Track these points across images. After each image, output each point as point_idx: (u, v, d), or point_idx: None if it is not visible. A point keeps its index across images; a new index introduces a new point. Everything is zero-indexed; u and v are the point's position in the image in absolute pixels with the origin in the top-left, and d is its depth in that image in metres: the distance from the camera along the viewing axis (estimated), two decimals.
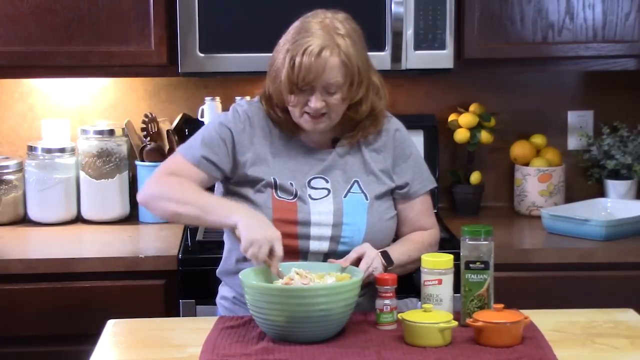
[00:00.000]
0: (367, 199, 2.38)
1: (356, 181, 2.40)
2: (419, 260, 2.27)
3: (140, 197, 2.40)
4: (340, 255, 2.30)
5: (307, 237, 2.33)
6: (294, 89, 2.28)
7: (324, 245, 2.33)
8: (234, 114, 2.41)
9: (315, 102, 2.27)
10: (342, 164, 2.40)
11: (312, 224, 2.33)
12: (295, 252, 2.31)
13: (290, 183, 2.36)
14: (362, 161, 2.42)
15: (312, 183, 2.38)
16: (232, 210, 2.26)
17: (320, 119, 2.31)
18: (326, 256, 2.33)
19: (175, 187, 2.34)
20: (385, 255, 2.30)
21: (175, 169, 2.37)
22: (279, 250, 2.18)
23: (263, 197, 2.34)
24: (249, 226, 2.19)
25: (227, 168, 2.38)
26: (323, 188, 2.38)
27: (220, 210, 2.28)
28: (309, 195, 2.36)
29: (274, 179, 2.35)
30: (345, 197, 2.37)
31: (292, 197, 2.35)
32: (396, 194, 2.44)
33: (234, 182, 2.40)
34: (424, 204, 2.48)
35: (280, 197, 2.34)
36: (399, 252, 2.35)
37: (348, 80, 2.28)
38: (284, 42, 2.31)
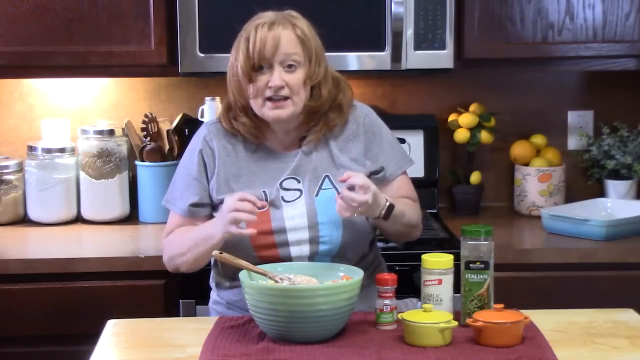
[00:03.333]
0: (339, 193, 2.33)
1: (327, 176, 2.37)
2: (411, 220, 2.30)
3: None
4: (322, 254, 2.30)
5: (286, 244, 2.31)
6: (251, 73, 2.27)
7: (305, 249, 2.31)
8: (196, 143, 2.41)
9: (274, 80, 2.26)
10: (310, 161, 2.38)
11: (288, 230, 2.31)
12: (278, 260, 2.29)
13: (263, 191, 2.34)
14: (329, 156, 2.39)
15: (284, 184, 2.36)
16: (208, 228, 2.28)
17: (283, 103, 2.29)
18: (310, 260, 2.31)
19: (173, 243, 2.39)
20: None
21: (173, 228, 2.41)
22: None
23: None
24: (222, 212, 2.20)
25: (209, 199, 2.39)
26: (295, 189, 2.36)
27: (202, 237, 2.29)
28: (282, 198, 2.34)
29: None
30: (317, 196, 2.35)
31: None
32: (373, 179, 2.31)
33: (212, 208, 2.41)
34: (403, 181, 2.44)
35: None
36: (395, 202, 2.31)
37: (307, 57, 2.29)
38: (238, 36, 2.33)
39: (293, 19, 2.32)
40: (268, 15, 2.31)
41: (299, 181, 2.36)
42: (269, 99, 2.28)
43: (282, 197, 2.34)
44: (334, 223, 2.32)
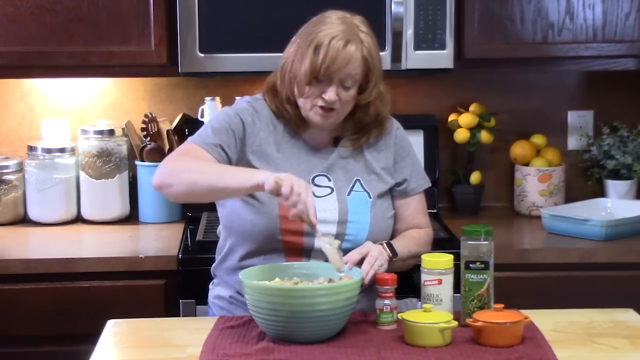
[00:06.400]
0: (370, 197, 2.39)
1: (358, 180, 2.40)
2: (417, 256, 2.28)
3: (155, 179, 2.28)
4: (343, 252, 2.30)
5: (313, 234, 2.32)
6: (313, 80, 2.28)
7: None
8: (242, 105, 2.42)
9: (330, 94, 2.28)
10: (344, 163, 2.42)
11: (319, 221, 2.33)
12: (299, 249, 2.32)
13: None
14: (363, 161, 2.43)
15: (316, 180, 2.39)
16: (253, 172, 2.22)
17: (330, 113, 2.32)
18: None
19: (191, 159, 2.28)
20: (389, 246, 2.31)
21: (188, 152, 2.32)
22: (311, 199, 2.13)
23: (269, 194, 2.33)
24: (285, 174, 2.14)
25: (234, 158, 2.36)
26: (326, 186, 2.38)
27: (240, 173, 2.22)
28: (313, 193, 2.36)
29: None
30: (348, 195, 2.38)
31: None
32: (394, 191, 2.46)
33: None
34: (419, 203, 2.50)
35: None
36: (401, 245, 2.36)
37: (364, 77, 2.30)
38: (304, 33, 2.32)
39: (361, 33, 2.30)
40: (339, 27, 2.28)
41: (329, 179, 2.39)
42: (320, 106, 2.31)
43: (313, 191, 2.35)
44: (363, 225, 2.36)
